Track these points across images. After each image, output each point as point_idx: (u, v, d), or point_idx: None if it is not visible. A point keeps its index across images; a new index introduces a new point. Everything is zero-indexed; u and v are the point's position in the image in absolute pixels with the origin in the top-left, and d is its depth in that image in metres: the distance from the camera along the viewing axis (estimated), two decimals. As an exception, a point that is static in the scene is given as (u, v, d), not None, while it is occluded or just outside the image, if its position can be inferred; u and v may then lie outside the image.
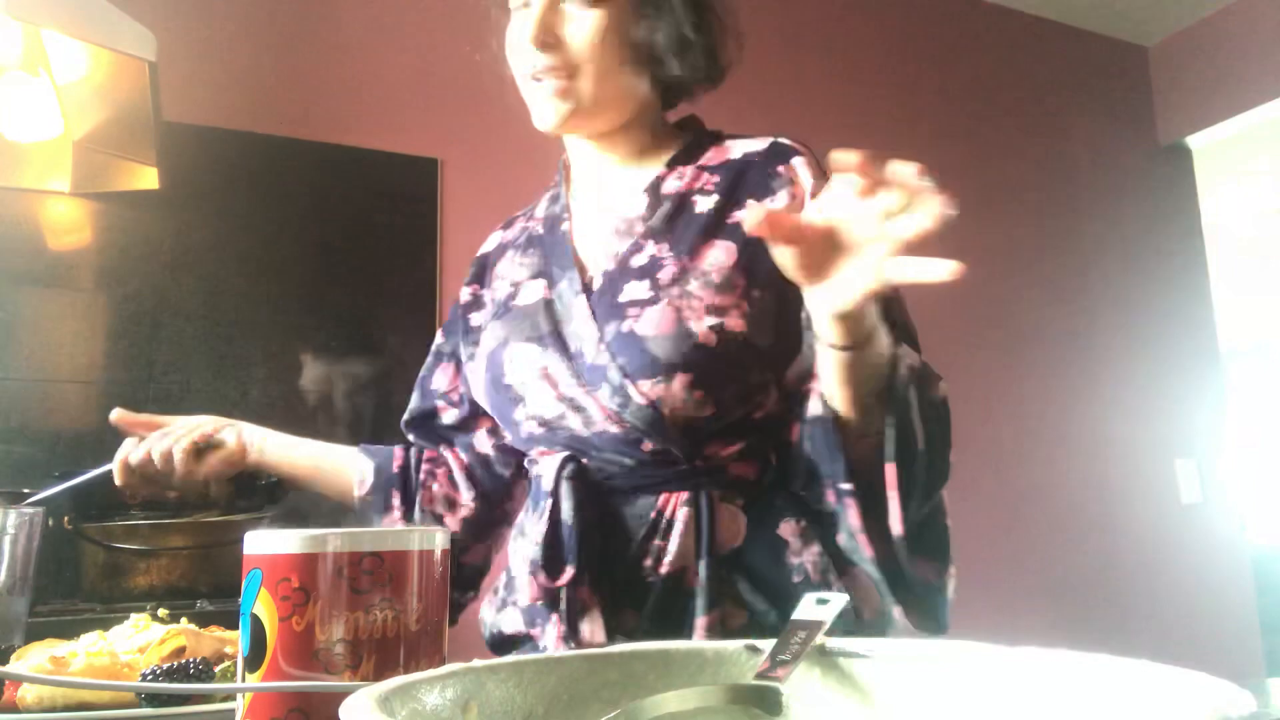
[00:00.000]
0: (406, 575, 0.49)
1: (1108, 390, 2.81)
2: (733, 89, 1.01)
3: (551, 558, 0.83)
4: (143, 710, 0.60)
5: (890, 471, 0.75)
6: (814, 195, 0.87)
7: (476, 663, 0.39)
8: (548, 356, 0.88)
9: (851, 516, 0.78)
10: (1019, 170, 2.85)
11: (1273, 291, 5.21)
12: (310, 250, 1.95)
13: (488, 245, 1.09)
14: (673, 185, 0.93)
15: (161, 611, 0.79)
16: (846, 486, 0.77)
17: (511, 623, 0.90)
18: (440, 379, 1.08)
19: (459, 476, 1.04)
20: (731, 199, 0.91)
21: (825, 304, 0.68)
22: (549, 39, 0.86)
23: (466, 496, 1.03)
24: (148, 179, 1.71)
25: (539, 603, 0.85)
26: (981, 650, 0.40)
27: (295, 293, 1.92)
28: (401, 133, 2.09)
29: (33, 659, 0.66)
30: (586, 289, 0.89)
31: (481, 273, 1.06)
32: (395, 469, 1.05)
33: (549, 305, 0.91)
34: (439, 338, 1.11)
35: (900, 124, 2.70)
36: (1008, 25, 2.96)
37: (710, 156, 0.95)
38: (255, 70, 1.98)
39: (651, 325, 0.83)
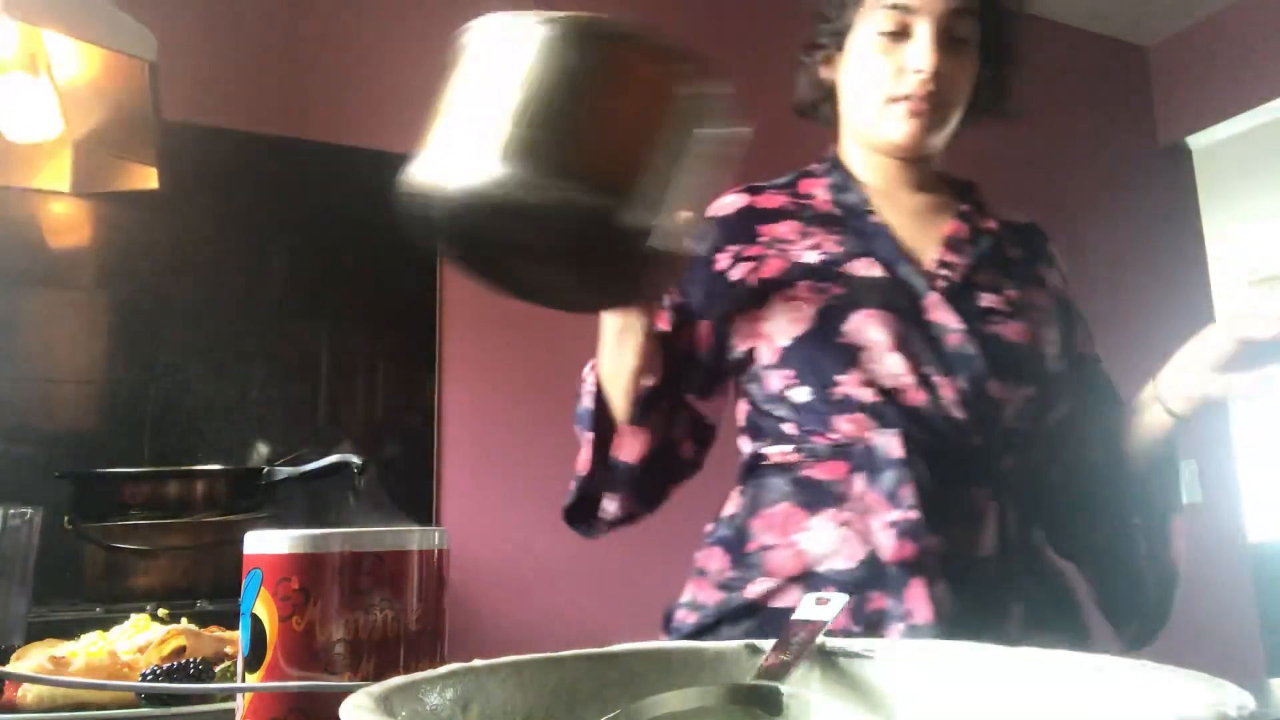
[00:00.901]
0: (406, 575, 0.49)
1: (1108, 390, 2.81)
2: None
3: (921, 525, 0.85)
4: (143, 710, 0.60)
5: (1179, 520, 0.94)
6: (1067, 281, 1.07)
7: (476, 663, 0.39)
8: (909, 331, 0.91)
9: (1141, 547, 0.92)
10: (1019, 170, 2.85)
11: (1272, 291, 5.21)
12: (310, 250, 1.96)
13: (730, 207, 1.05)
14: (983, 223, 1.02)
15: (161, 611, 0.79)
16: (1139, 521, 0.93)
17: (758, 589, 0.90)
18: (683, 339, 1.03)
19: (691, 425, 1.03)
20: (1030, 256, 1.04)
21: (1227, 390, 0.80)
22: (941, 69, 0.95)
23: (689, 450, 1.02)
24: (148, 179, 1.71)
25: (895, 566, 0.84)
26: (981, 650, 0.40)
27: (295, 293, 1.92)
28: (401, 133, 2.08)
29: (33, 659, 0.66)
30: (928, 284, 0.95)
31: (736, 233, 1.02)
32: (674, 390, 1.01)
33: (899, 285, 0.94)
34: (675, 299, 1.03)
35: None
36: (1008, 25, 2.96)
37: (992, 210, 1.06)
38: (255, 70, 1.98)
39: (1016, 334, 0.94)
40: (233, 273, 1.88)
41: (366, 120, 2.05)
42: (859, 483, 0.89)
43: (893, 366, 0.90)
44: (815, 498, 0.90)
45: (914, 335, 0.91)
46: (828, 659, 0.43)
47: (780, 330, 0.94)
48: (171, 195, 1.78)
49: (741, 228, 1.03)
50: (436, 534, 0.52)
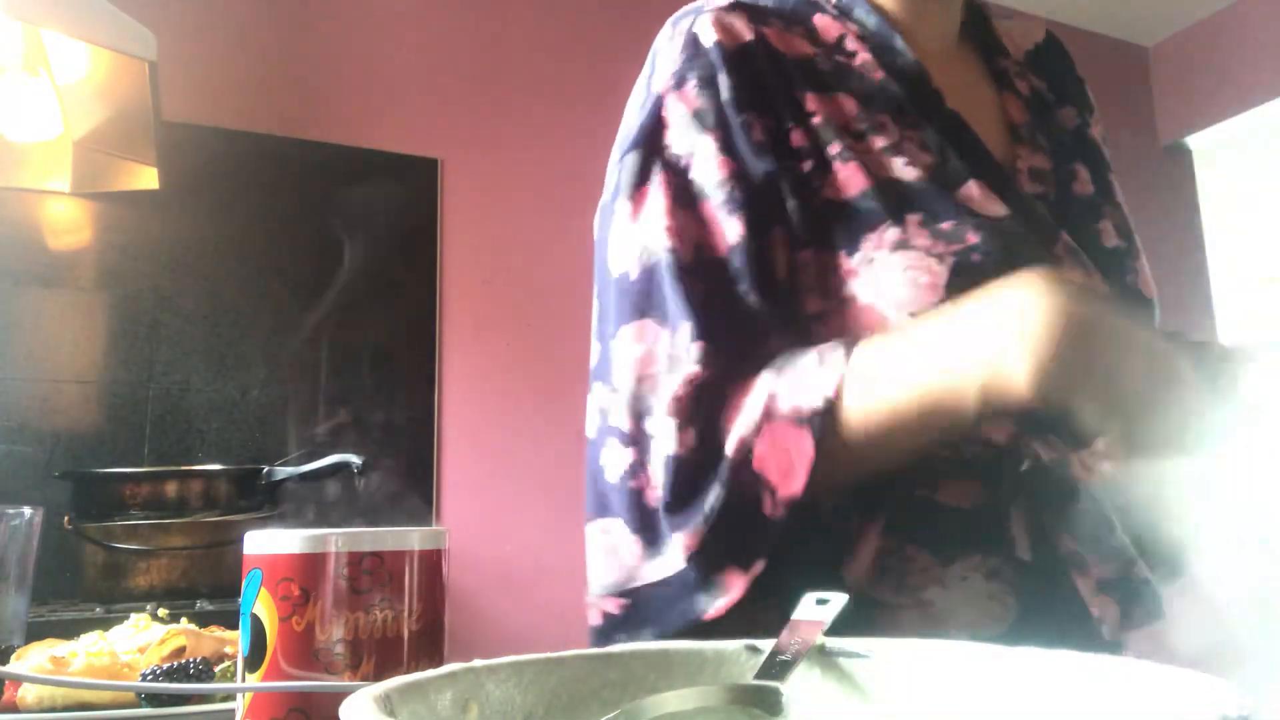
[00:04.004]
0: (406, 575, 0.49)
1: (1108, 390, 2.81)
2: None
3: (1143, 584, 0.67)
4: (143, 710, 0.60)
5: None
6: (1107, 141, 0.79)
7: (476, 663, 0.39)
8: None
9: None
10: (1019, 170, 2.85)
11: (1272, 291, 5.20)
12: (310, 250, 1.95)
13: (733, 34, 0.66)
14: (1014, 71, 0.76)
15: (161, 611, 0.79)
16: None
17: None
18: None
19: None
20: (1081, 113, 0.79)
21: None
22: None
23: None
24: (148, 179, 1.71)
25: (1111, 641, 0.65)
26: (981, 650, 0.40)
27: (295, 293, 1.92)
28: (401, 133, 2.09)
29: (33, 659, 0.66)
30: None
31: (767, 93, 0.65)
32: None
33: (1036, 223, 0.66)
34: (721, 173, 0.64)
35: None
36: (1008, 25, 2.96)
37: (1003, 32, 0.78)
38: (255, 70, 1.98)
39: (1147, 288, 0.69)
40: (233, 273, 1.88)
41: (366, 120, 2.05)
42: (1017, 517, 0.62)
43: None
44: (949, 535, 0.61)
45: None
46: (828, 659, 0.43)
47: (883, 295, 0.60)
48: (171, 195, 1.78)
49: (774, 84, 0.65)
50: (436, 534, 0.52)
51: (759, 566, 0.54)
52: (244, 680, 0.47)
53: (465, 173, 2.14)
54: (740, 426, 0.56)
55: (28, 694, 0.62)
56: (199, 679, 0.62)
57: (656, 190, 0.64)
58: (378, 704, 0.32)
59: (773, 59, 0.66)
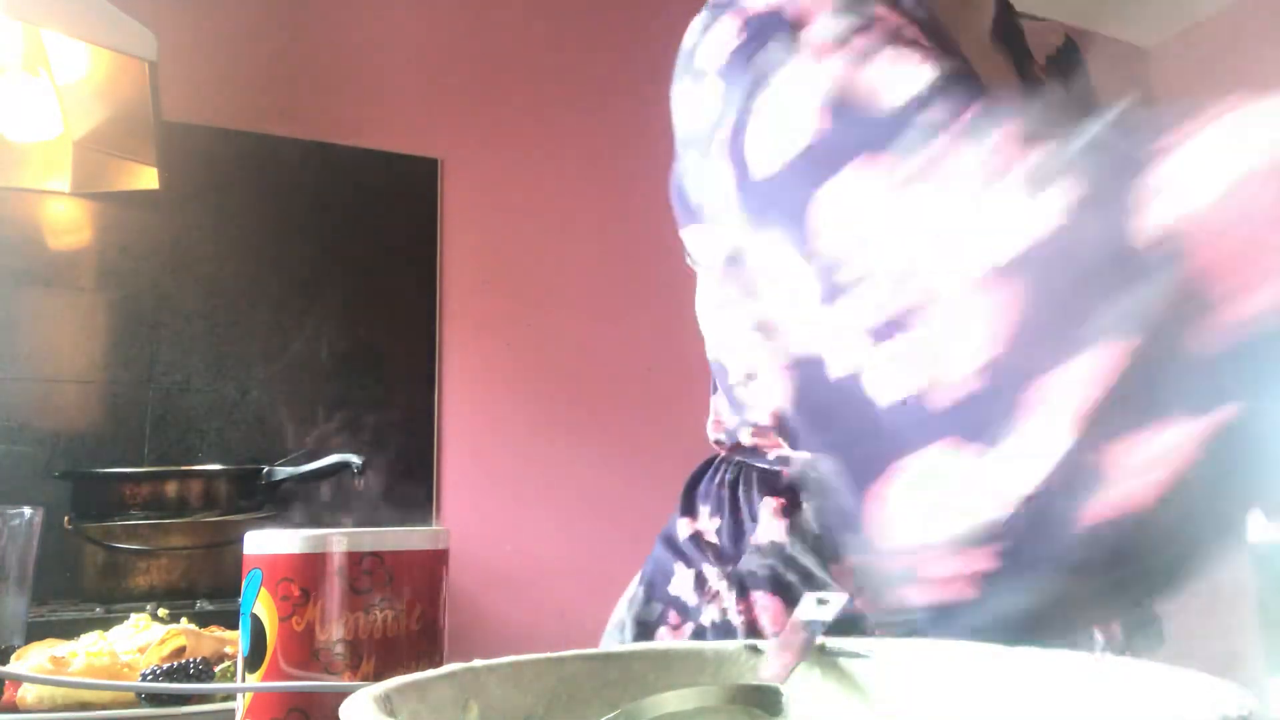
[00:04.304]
0: (406, 575, 0.49)
1: (1108, 390, 2.81)
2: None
3: None
4: (143, 710, 0.60)
5: None
6: None
7: (476, 663, 0.39)
8: None
9: None
10: (1019, 170, 2.85)
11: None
12: (310, 251, 1.96)
13: None
14: (1039, 77, 0.74)
15: (161, 611, 0.79)
16: None
17: None
18: None
19: None
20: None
21: None
22: None
23: None
24: (148, 179, 1.71)
25: None
26: (981, 650, 0.40)
27: (295, 293, 1.92)
28: (401, 133, 2.09)
29: (33, 659, 0.66)
30: None
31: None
32: None
33: None
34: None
35: (900, 124, 2.69)
36: (1008, 25, 2.96)
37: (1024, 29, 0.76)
38: (255, 70, 1.98)
39: None
40: (233, 273, 1.88)
41: (366, 120, 2.05)
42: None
43: None
44: None
45: None
46: (828, 659, 0.43)
47: None
48: (171, 195, 1.78)
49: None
50: (437, 534, 0.52)
51: (1218, 414, 0.33)
52: (244, 680, 0.47)
53: (465, 173, 2.14)
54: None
55: (28, 694, 0.62)
56: (199, 679, 0.62)
57: (826, 58, 0.51)
58: (378, 704, 0.32)
59: None
